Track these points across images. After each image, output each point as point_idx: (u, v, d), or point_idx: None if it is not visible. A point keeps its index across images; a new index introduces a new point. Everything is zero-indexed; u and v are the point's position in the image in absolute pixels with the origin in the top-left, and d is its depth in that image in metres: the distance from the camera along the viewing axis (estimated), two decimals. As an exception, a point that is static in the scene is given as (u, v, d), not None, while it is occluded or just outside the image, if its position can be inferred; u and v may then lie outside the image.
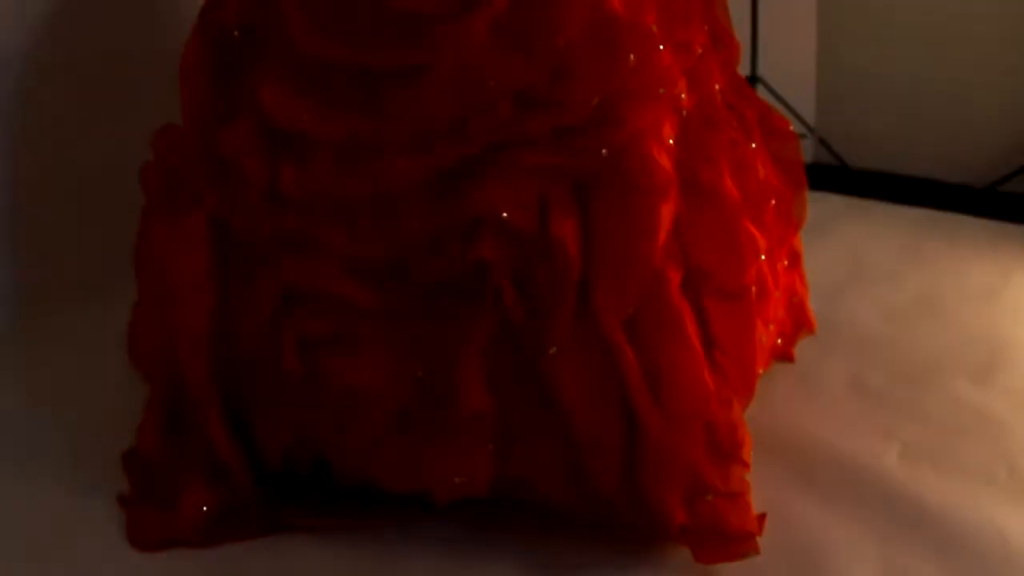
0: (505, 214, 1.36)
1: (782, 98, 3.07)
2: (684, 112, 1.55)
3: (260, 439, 1.60)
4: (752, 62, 3.08)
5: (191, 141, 1.62)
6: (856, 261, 2.54)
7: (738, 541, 1.41)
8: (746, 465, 1.49)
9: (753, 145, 1.78)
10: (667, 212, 1.44)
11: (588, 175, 1.41)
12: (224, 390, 1.60)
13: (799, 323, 2.00)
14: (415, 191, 1.41)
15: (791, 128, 1.95)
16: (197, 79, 1.62)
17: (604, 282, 1.39)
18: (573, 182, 1.41)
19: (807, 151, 3.18)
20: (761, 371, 1.73)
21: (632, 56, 1.43)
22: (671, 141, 1.49)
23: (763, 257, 1.69)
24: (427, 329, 1.43)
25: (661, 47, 1.49)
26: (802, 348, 2.02)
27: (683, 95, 1.54)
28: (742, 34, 3.07)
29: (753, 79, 3.07)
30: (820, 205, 2.48)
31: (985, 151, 3.26)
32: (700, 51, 1.64)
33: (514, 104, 1.40)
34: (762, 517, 1.45)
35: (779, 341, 1.91)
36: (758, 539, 1.41)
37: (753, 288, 1.62)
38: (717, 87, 1.70)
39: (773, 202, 1.78)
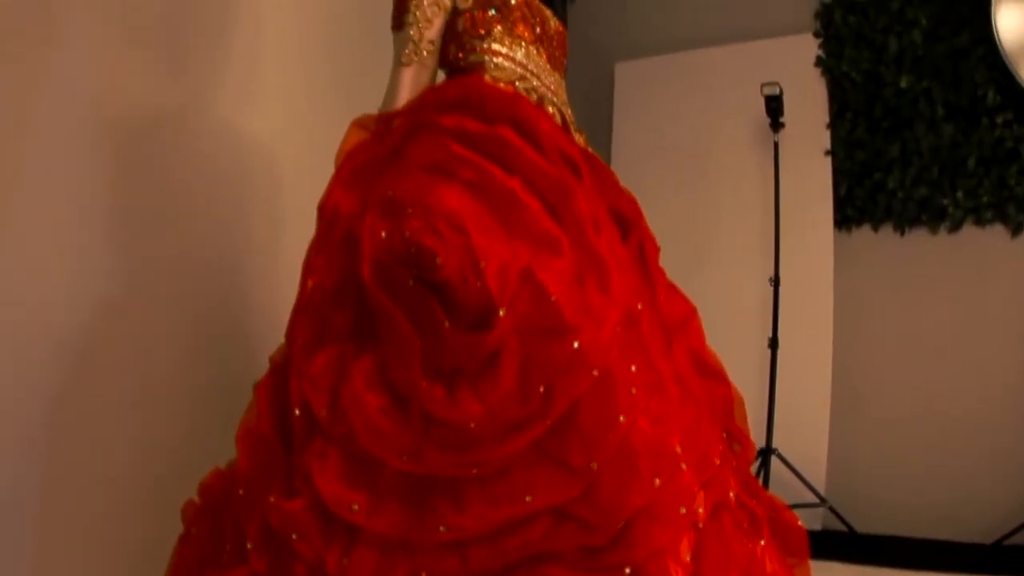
0: None
1: (795, 469, 3.20)
2: (700, 524, 1.68)
3: None
4: (768, 435, 3.23)
5: (243, 500, 1.72)
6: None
7: None
8: None
9: (762, 542, 1.89)
10: (679, 631, 1.54)
11: None
12: None
13: None
14: None
15: (799, 523, 2.06)
16: (256, 448, 1.74)
17: None
18: None
19: (817, 519, 3.28)
20: None
21: (657, 480, 1.57)
22: (687, 558, 1.61)
23: None
24: None
25: (683, 466, 1.64)
26: None
27: (700, 509, 1.67)
28: (759, 408, 3.27)
29: (768, 451, 3.21)
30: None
31: (989, 509, 3.36)
32: (718, 462, 1.79)
33: (547, 520, 1.53)
34: None
35: None
36: None
37: None
38: (732, 494, 1.82)
39: None
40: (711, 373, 1.92)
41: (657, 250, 1.95)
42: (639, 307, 1.76)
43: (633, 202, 1.99)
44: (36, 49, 2.10)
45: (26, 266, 2.05)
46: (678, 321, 1.91)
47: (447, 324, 1.62)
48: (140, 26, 2.40)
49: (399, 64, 2.01)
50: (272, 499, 1.63)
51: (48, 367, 2.10)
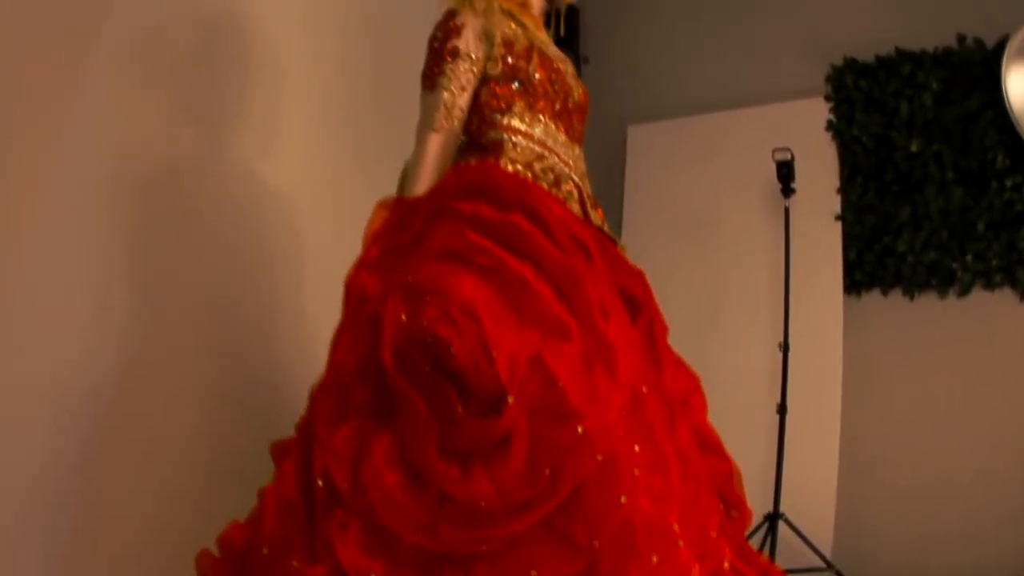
0: None
1: (802, 534, 3.22)
2: None
3: None
4: (775, 500, 3.26)
5: (266, 560, 1.78)
6: None
7: None
8: None
9: None
10: None
11: None
12: None
13: None
14: None
15: (791, 585, 2.13)
16: (282, 511, 1.81)
17: None
18: None
19: (824, 583, 3.32)
20: None
21: (655, 557, 1.64)
22: None
23: None
24: None
25: (680, 543, 1.71)
26: None
27: None
28: (767, 473, 3.31)
29: (775, 516, 3.24)
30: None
31: (996, 574, 3.38)
32: (714, 535, 1.85)
33: None
34: None
35: None
36: None
37: None
38: (727, 563, 1.88)
39: None
40: (711, 448, 1.99)
41: (665, 330, 2.02)
42: (644, 390, 1.83)
43: (643, 281, 2.06)
44: (58, 97, 2.17)
45: (43, 312, 2.09)
46: (682, 397, 1.99)
47: (460, 409, 1.69)
48: (161, 76, 2.47)
49: (429, 128, 2.02)
50: (295, 563, 1.71)
51: (66, 419, 2.14)
